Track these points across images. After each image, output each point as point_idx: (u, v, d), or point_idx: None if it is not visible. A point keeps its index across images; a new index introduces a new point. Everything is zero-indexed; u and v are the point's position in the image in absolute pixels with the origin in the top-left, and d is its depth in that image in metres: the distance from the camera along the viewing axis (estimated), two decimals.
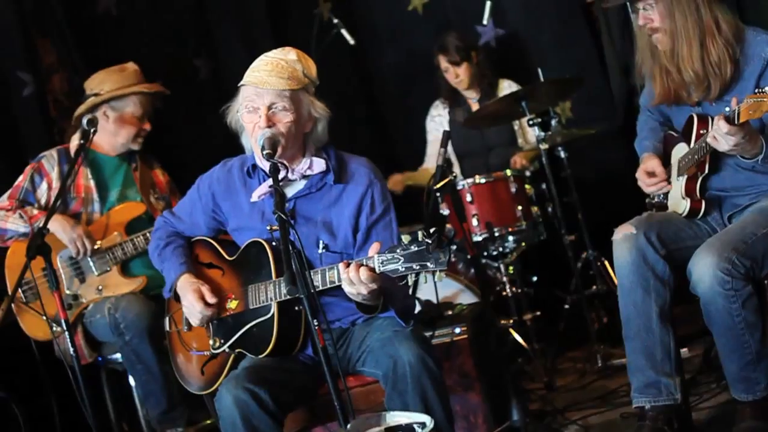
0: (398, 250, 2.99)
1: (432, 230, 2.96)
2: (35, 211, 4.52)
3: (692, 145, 3.58)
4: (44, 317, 4.27)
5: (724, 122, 3.24)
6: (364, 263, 3.05)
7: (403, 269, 2.98)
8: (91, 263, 4.53)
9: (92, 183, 4.63)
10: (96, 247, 4.52)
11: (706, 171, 3.59)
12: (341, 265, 3.10)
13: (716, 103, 3.55)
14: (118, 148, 4.70)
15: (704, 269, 3.37)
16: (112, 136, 4.65)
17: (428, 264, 2.95)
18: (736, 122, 3.20)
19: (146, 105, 4.71)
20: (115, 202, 4.67)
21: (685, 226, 3.66)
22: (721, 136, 3.28)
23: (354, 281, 3.05)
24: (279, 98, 3.31)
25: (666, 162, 3.78)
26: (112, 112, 4.64)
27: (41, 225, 3.80)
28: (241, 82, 3.35)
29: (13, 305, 4.39)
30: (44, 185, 4.61)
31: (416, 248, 2.96)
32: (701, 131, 3.55)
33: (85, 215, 4.61)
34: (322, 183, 3.46)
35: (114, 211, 4.63)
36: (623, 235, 3.61)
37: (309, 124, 3.42)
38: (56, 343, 4.28)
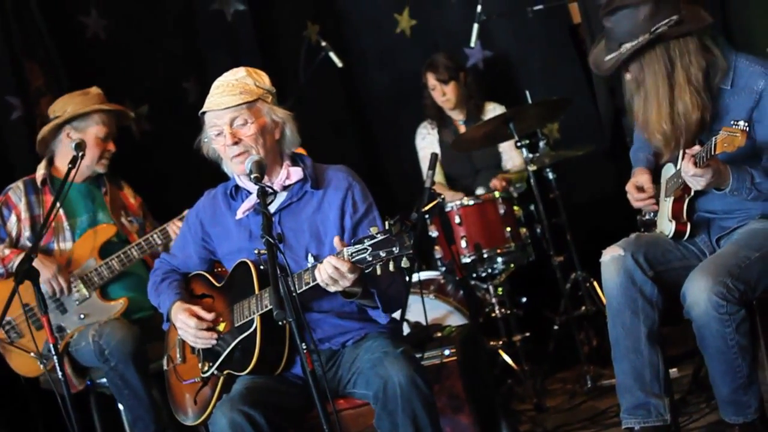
0: (366, 241, 3.05)
1: (396, 217, 3.02)
2: (7, 251, 4.52)
3: (678, 166, 3.56)
4: (32, 354, 4.27)
5: (691, 165, 3.27)
6: (333, 256, 3.10)
7: (371, 258, 3.04)
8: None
9: (61, 212, 4.59)
10: (73, 275, 4.49)
11: (693, 193, 3.59)
12: (317, 271, 3.15)
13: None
14: (84, 171, 4.64)
15: (699, 293, 3.37)
16: None
17: (394, 249, 3.01)
18: (711, 155, 3.21)
19: (109, 125, 4.68)
20: (86, 228, 4.65)
21: (673, 248, 3.66)
22: (689, 177, 3.32)
23: (336, 277, 3.10)
24: (237, 113, 3.37)
25: (656, 179, 3.79)
26: (75, 132, 4.61)
27: (27, 252, 3.76)
28: (200, 112, 3.43)
29: None
30: (13, 218, 4.60)
31: (381, 237, 3.03)
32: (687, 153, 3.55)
33: (57, 246, 4.59)
34: (302, 191, 3.49)
35: (85, 237, 4.61)
36: (611, 257, 3.61)
37: (276, 131, 3.46)
38: (47, 374, 4.26)
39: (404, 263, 3.05)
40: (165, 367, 3.80)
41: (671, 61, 3.47)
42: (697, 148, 3.37)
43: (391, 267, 3.06)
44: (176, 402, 3.72)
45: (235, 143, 3.36)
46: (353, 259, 3.07)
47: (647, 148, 3.90)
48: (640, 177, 3.79)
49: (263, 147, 3.40)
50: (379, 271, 3.07)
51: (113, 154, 4.72)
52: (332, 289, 3.17)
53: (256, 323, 3.35)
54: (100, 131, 4.64)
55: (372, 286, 3.26)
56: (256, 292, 3.38)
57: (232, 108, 3.36)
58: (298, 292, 3.21)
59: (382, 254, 3.02)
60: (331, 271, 3.10)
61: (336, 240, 3.16)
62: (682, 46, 3.47)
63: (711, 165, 3.28)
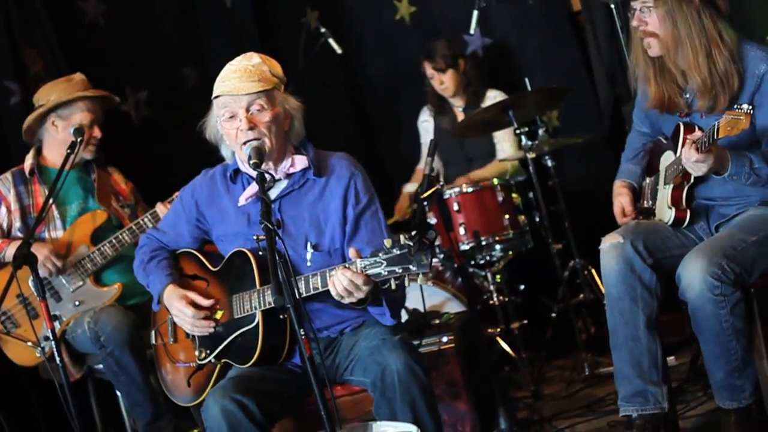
0: (381, 254, 3.03)
1: (414, 233, 2.98)
2: None
3: (678, 153, 3.57)
4: (29, 343, 4.27)
5: (693, 150, 3.26)
6: (348, 268, 3.08)
7: (386, 273, 3.03)
8: (64, 281, 4.52)
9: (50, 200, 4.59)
10: (66, 262, 4.50)
11: (692, 180, 3.59)
12: (329, 284, 3.13)
13: (706, 116, 3.54)
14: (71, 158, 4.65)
15: (694, 274, 3.37)
16: (62, 147, 4.50)
17: (411, 267, 2.99)
18: (712, 141, 3.21)
19: (94, 111, 4.64)
20: (77, 215, 4.64)
21: (672, 235, 3.66)
22: (691, 163, 3.31)
23: (352, 290, 3.09)
24: (254, 99, 3.35)
25: (654, 171, 3.79)
26: (60, 120, 4.59)
27: (23, 239, 3.75)
28: (215, 95, 3.40)
29: None
30: (3, 209, 4.59)
31: (398, 252, 3.00)
32: (688, 139, 3.55)
33: (48, 235, 4.58)
34: (303, 179, 3.48)
35: (76, 224, 4.60)
36: (610, 244, 3.61)
37: (287, 122, 3.45)
38: (46, 362, 4.26)
39: (420, 280, 3.05)
40: (153, 341, 3.79)
41: (700, 17, 3.46)
42: (698, 134, 3.36)
43: (405, 282, 3.06)
44: (167, 379, 3.73)
45: (251, 128, 3.34)
46: (367, 272, 3.06)
47: (645, 134, 3.91)
48: (621, 198, 3.83)
49: (274, 135, 3.39)
50: (393, 286, 3.07)
51: (106, 140, 4.69)
52: (346, 301, 3.15)
53: (258, 318, 3.35)
54: (85, 118, 4.60)
55: (382, 294, 3.25)
56: (258, 286, 3.37)
57: (252, 94, 3.35)
58: (305, 295, 3.22)
59: (398, 270, 3.01)
60: (346, 284, 3.08)
61: (352, 251, 3.12)
62: (713, 15, 3.47)
63: (712, 150, 3.27)
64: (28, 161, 4.64)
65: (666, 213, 3.66)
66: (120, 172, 4.89)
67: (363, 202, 3.46)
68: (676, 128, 3.64)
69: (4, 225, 4.59)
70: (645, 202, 3.86)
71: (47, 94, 4.62)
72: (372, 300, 3.24)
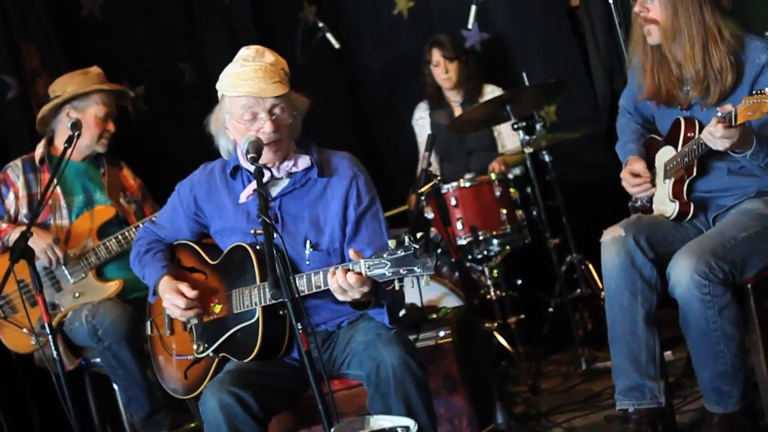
0: (385, 255, 3.02)
1: (419, 235, 2.97)
2: (3, 225, 4.52)
3: (680, 148, 3.57)
4: (25, 330, 4.28)
5: (720, 126, 3.23)
6: (351, 269, 3.06)
7: (390, 274, 3.02)
8: (66, 271, 4.52)
9: (58, 189, 4.59)
10: (70, 254, 4.50)
11: (694, 174, 3.58)
12: (329, 275, 3.12)
13: (707, 109, 3.53)
14: (83, 150, 4.67)
15: (682, 272, 3.38)
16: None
17: (415, 269, 2.98)
18: (733, 124, 3.20)
19: (109, 105, 4.69)
20: (83, 207, 4.65)
21: (674, 230, 3.65)
22: (717, 139, 3.27)
23: (345, 288, 3.08)
24: (278, 102, 3.33)
25: (649, 166, 3.78)
26: (75, 112, 4.61)
27: (23, 230, 3.75)
28: (237, 93, 3.33)
29: None
30: (11, 195, 4.60)
31: (403, 253, 3.00)
32: (689, 134, 3.54)
33: (54, 222, 4.59)
34: (305, 179, 3.47)
35: (83, 217, 4.61)
36: (612, 238, 3.59)
37: (294, 119, 3.44)
38: (40, 350, 4.27)
39: (425, 282, 3.04)
40: (149, 333, 3.79)
41: (701, 9, 3.46)
42: (729, 107, 3.29)
43: (409, 284, 3.05)
44: (162, 370, 3.73)
45: (274, 131, 3.32)
46: (370, 272, 3.05)
47: (635, 121, 3.90)
48: (636, 164, 3.77)
49: (288, 135, 3.40)
50: (397, 287, 3.06)
51: (112, 135, 4.71)
52: (341, 298, 3.15)
53: (258, 314, 3.34)
54: (100, 111, 4.65)
55: (382, 298, 3.25)
56: (258, 282, 3.37)
57: (278, 97, 3.32)
58: (306, 293, 3.21)
59: (403, 271, 3.00)
60: (341, 281, 3.08)
61: (352, 252, 3.12)
62: (715, 10, 3.48)
63: (737, 127, 3.24)
64: (39, 150, 4.66)
65: (669, 206, 3.65)
66: (129, 167, 4.89)
67: (364, 203, 3.46)
68: (676, 124, 3.63)
69: (12, 210, 4.60)
70: (637, 201, 3.86)
71: (63, 86, 4.66)
72: (373, 305, 3.25)
